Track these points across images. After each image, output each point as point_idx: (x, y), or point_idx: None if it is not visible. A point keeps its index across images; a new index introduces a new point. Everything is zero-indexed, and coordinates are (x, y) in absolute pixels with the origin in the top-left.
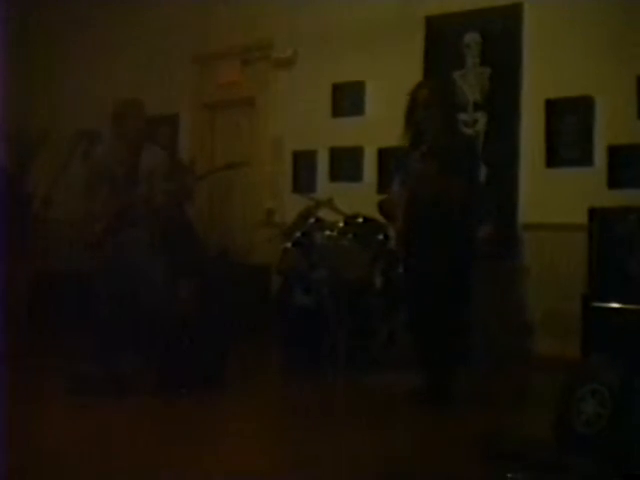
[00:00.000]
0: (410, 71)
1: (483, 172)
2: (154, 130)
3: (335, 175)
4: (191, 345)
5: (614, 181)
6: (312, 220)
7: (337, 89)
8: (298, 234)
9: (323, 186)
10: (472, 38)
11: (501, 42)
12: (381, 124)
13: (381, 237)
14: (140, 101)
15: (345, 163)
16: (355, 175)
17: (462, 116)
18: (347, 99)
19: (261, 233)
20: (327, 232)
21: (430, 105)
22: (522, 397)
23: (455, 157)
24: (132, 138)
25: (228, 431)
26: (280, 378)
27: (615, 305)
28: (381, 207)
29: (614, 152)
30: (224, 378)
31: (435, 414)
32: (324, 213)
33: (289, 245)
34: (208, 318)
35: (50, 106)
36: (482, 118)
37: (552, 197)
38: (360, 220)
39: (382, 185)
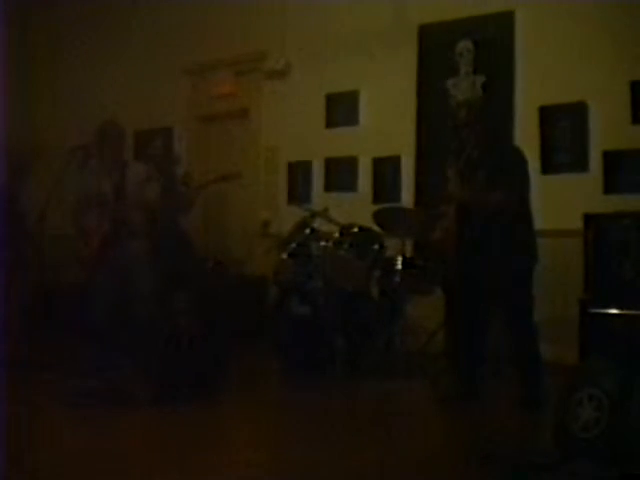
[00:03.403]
0: (404, 80)
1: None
2: (145, 144)
3: (330, 185)
4: (188, 356)
5: (610, 186)
6: (308, 231)
7: (331, 99)
8: (294, 245)
9: (318, 196)
10: (465, 46)
11: (494, 50)
12: (376, 134)
13: (377, 246)
14: (117, 122)
15: (340, 173)
16: (350, 185)
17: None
18: (341, 109)
19: (257, 244)
20: (323, 242)
21: (470, 122)
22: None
23: (503, 169)
24: (114, 158)
25: (227, 441)
26: (278, 388)
27: (612, 310)
28: (376, 217)
29: (609, 157)
30: (222, 388)
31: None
32: (320, 223)
33: (285, 256)
34: (205, 329)
35: (45, 121)
36: None
37: (548, 203)
38: (356, 230)
39: (377, 195)
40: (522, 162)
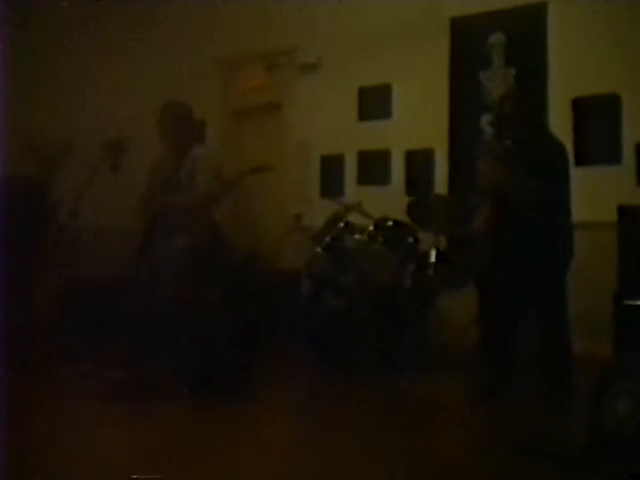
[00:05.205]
0: (436, 72)
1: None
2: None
3: (363, 179)
4: (221, 350)
5: None
6: (341, 224)
7: (363, 92)
8: (328, 238)
9: (351, 190)
10: (497, 38)
11: (526, 42)
12: (408, 126)
13: (411, 240)
14: (185, 103)
15: (373, 166)
16: (383, 178)
17: (489, 117)
18: (373, 102)
19: (290, 238)
20: (357, 236)
21: (509, 114)
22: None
23: (542, 160)
24: (178, 139)
25: (261, 435)
26: (312, 382)
27: None
28: (410, 210)
29: None
30: (255, 382)
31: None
32: (353, 217)
33: (319, 250)
34: (237, 323)
35: (74, 115)
36: None
37: (581, 196)
38: (390, 223)
39: (410, 188)
40: (563, 154)
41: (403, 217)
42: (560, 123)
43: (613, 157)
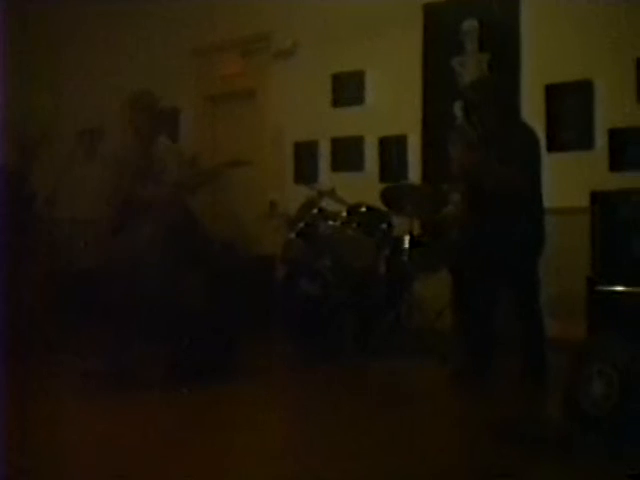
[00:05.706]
0: (409, 59)
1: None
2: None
3: (337, 165)
4: (198, 337)
5: (615, 164)
6: (315, 210)
7: (337, 79)
8: (302, 225)
9: (325, 176)
10: (470, 25)
11: (499, 28)
12: (381, 113)
13: (384, 226)
14: (151, 93)
15: (346, 153)
16: (357, 164)
17: (462, 103)
18: (347, 89)
19: (265, 225)
20: (330, 222)
21: (481, 101)
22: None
23: (513, 147)
24: (142, 129)
25: (239, 421)
26: (288, 367)
27: (620, 287)
28: (384, 195)
29: (615, 135)
30: (232, 369)
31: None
32: (327, 203)
33: (293, 236)
34: (215, 310)
35: (51, 105)
36: None
37: (554, 181)
38: (363, 209)
39: (384, 174)
40: (534, 141)
41: (377, 203)
42: (533, 109)
43: (586, 143)
